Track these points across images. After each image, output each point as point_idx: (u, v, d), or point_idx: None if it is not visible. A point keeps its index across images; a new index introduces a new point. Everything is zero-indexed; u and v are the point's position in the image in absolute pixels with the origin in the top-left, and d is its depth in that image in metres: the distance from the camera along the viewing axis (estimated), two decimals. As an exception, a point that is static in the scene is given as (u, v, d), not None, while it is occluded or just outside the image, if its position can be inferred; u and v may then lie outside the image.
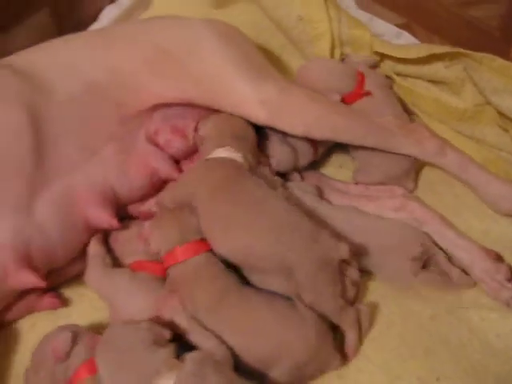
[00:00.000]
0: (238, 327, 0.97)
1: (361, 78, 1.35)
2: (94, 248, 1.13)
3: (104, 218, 1.12)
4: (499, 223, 1.24)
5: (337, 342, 1.01)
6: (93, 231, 1.14)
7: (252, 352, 0.96)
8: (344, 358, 1.01)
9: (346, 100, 1.32)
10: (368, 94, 1.33)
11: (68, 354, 0.94)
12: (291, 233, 1.01)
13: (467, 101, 1.34)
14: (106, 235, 1.17)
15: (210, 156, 1.16)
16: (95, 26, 1.56)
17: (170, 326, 0.98)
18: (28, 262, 1.04)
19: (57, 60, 1.17)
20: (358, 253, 1.10)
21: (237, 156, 1.14)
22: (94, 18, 1.59)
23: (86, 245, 1.14)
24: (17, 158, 1.05)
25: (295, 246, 1.00)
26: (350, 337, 1.02)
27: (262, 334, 0.97)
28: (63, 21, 1.55)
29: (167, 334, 0.94)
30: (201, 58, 1.20)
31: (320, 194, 1.22)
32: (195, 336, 0.98)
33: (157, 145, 1.21)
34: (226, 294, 1.00)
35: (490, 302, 1.14)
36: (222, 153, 1.15)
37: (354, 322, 1.02)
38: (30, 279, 1.03)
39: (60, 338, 0.95)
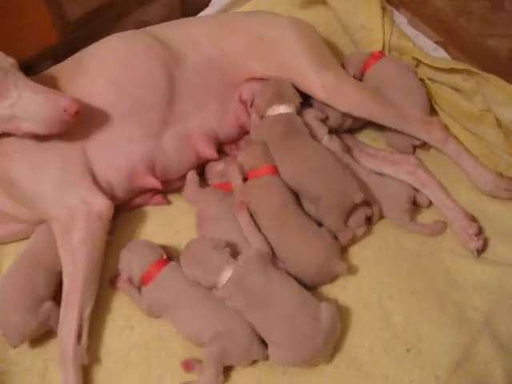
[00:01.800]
0: (286, 232, 1.45)
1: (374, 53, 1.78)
2: (191, 175, 1.60)
3: (208, 151, 1.59)
4: (481, 199, 1.63)
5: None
6: (199, 159, 1.61)
7: (292, 251, 1.44)
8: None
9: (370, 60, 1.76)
10: (384, 54, 1.77)
11: (129, 279, 1.42)
12: (326, 173, 1.49)
13: (476, 106, 1.71)
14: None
15: (267, 115, 1.60)
16: (209, 9, 1.99)
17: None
18: (152, 171, 1.53)
19: (187, 36, 1.62)
20: (370, 200, 1.55)
21: (282, 108, 1.58)
22: (207, 1, 2.02)
23: (192, 167, 1.61)
24: (155, 102, 1.53)
25: (326, 184, 1.48)
26: (341, 243, 1.49)
27: (299, 241, 1.44)
28: (186, 2, 1.98)
29: (223, 242, 1.41)
30: (284, 47, 1.64)
31: (348, 150, 1.66)
32: (249, 234, 1.45)
33: (246, 106, 1.65)
34: (285, 205, 1.48)
35: (462, 252, 1.55)
36: (272, 111, 1.59)
37: (346, 240, 1.50)
38: (152, 182, 1.53)
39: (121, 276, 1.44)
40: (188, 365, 1.36)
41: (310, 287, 1.45)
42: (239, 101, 1.65)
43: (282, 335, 1.33)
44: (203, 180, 1.65)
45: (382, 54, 1.80)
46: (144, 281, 1.42)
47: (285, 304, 1.34)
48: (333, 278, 1.49)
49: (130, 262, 1.43)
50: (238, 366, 1.36)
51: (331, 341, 1.35)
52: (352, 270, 1.52)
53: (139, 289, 1.45)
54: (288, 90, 1.60)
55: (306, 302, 1.35)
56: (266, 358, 1.35)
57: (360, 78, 1.79)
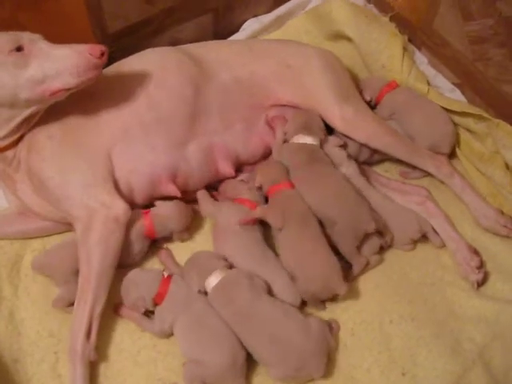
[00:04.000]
0: (297, 242, 1.51)
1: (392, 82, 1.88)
2: (202, 191, 1.67)
3: (227, 169, 1.66)
4: (485, 236, 1.70)
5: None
6: (218, 174, 1.67)
7: (302, 261, 1.50)
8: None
9: (382, 92, 1.86)
10: (396, 85, 1.87)
11: (142, 306, 1.47)
12: (343, 201, 1.56)
13: (487, 148, 1.80)
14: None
15: (292, 141, 1.68)
16: (239, 33, 2.08)
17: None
18: (173, 180, 1.60)
19: (218, 57, 1.70)
20: (383, 229, 1.62)
21: (309, 139, 1.66)
22: (238, 26, 2.11)
23: (210, 181, 1.68)
24: (182, 115, 1.59)
25: (342, 210, 1.55)
26: (355, 270, 1.57)
27: (312, 252, 1.49)
28: (218, 25, 2.07)
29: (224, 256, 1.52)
30: (309, 76, 1.72)
31: (364, 174, 1.73)
32: None
33: (272, 129, 1.72)
34: (307, 216, 1.54)
35: (463, 285, 1.62)
36: (298, 139, 1.67)
37: (361, 265, 1.57)
38: (173, 190, 1.59)
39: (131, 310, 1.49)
40: None
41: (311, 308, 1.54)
42: (265, 121, 1.72)
43: (269, 352, 1.40)
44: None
45: (397, 84, 1.89)
46: (157, 301, 1.48)
47: (268, 321, 1.41)
48: (336, 300, 1.56)
49: (139, 290, 1.48)
50: None
51: (321, 352, 1.40)
52: (356, 294, 1.59)
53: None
54: (317, 123, 1.69)
55: (290, 316, 1.42)
56: None
57: (375, 103, 1.89)
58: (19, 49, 1.38)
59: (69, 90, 1.41)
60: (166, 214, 1.58)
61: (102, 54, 1.40)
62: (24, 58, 1.37)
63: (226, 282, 1.45)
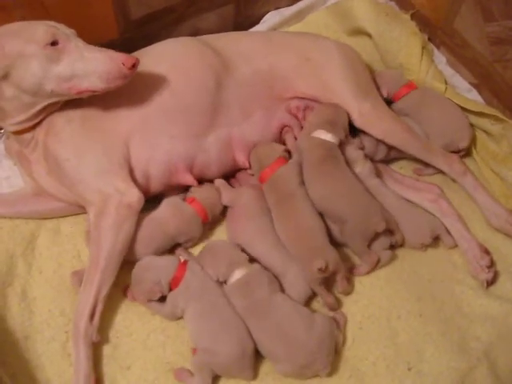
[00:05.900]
0: (292, 218, 1.56)
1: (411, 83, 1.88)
2: (221, 181, 1.69)
3: (244, 159, 1.68)
4: (496, 237, 1.70)
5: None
6: (235, 165, 1.70)
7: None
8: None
9: (401, 92, 1.87)
10: (415, 87, 1.86)
11: (159, 290, 1.47)
12: (354, 200, 1.58)
13: (502, 149, 1.80)
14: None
15: (312, 135, 1.68)
16: (260, 26, 2.09)
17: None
18: (190, 169, 1.62)
19: (238, 48, 1.72)
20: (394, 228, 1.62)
21: (329, 137, 1.66)
22: (259, 18, 2.13)
23: (226, 171, 1.70)
24: (202, 105, 1.61)
25: (353, 210, 1.57)
26: (364, 268, 1.59)
27: (304, 233, 1.54)
28: (239, 16, 2.08)
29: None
30: (328, 70, 1.73)
31: (379, 175, 1.74)
32: None
33: (295, 116, 1.74)
34: (291, 195, 1.59)
35: (472, 284, 1.63)
36: (319, 134, 1.67)
37: (372, 263, 1.58)
38: (189, 179, 1.61)
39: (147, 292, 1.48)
40: (178, 374, 1.45)
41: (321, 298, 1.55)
42: (287, 110, 1.73)
43: (276, 348, 1.42)
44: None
45: (415, 86, 1.89)
46: (173, 286, 1.49)
47: (278, 318, 1.42)
48: (345, 293, 1.58)
49: (155, 275, 1.48)
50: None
51: (327, 348, 1.42)
52: (366, 288, 1.60)
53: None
54: (342, 122, 1.69)
55: (299, 314, 1.44)
56: (251, 379, 1.44)
57: (391, 99, 1.89)
58: (54, 43, 1.40)
59: (94, 91, 1.44)
60: (212, 196, 1.64)
61: (133, 65, 1.42)
62: (57, 53, 1.40)
63: (249, 277, 1.47)
